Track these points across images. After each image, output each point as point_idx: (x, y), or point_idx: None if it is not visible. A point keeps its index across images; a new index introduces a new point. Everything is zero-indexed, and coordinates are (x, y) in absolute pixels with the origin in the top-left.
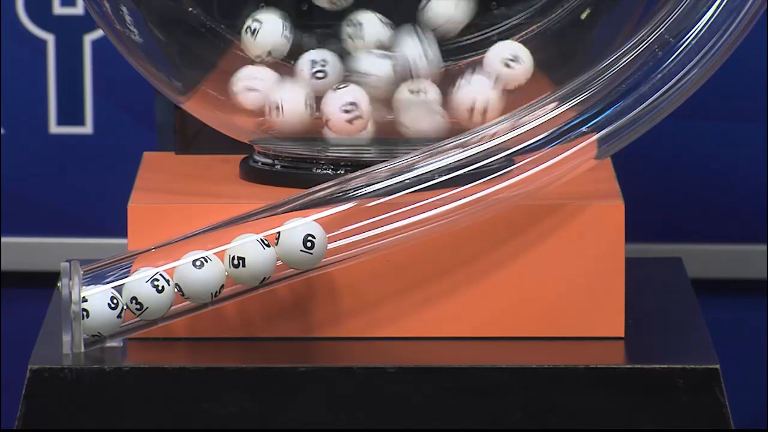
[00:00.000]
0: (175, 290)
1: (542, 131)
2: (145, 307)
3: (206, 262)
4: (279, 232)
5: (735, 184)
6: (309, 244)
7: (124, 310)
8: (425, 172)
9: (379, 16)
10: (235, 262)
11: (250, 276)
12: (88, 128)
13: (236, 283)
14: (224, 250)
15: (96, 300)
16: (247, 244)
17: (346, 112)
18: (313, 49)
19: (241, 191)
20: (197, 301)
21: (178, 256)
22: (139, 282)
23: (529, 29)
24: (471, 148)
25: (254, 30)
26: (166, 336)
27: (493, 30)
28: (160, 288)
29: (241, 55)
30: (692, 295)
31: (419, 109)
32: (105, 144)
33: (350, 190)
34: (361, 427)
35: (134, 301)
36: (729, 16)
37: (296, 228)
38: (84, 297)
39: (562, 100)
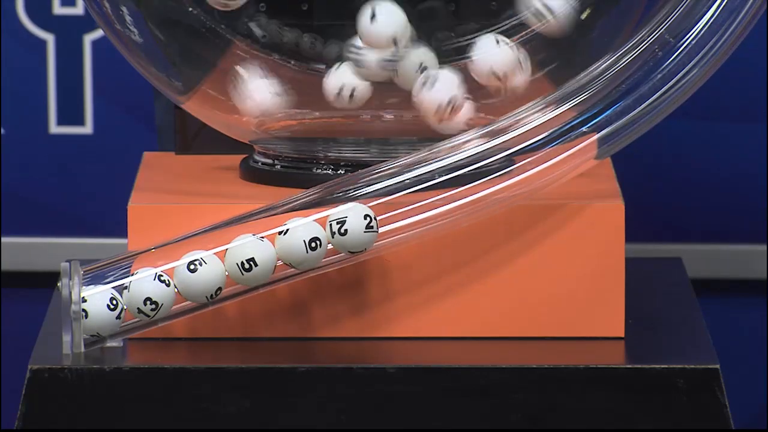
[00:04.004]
0: (175, 290)
1: (542, 131)
2: (160, 305)
3: (200, 265)
4: (281, 232)
5: (735, 184)
6: (314, 245)
7: (123, 311)
8: (425, 172)
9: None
10: (246, 265)
11: (263, 275)
12: (88, 128)
13: (244, 285)
14: (225, 251)
15: (95, 300)
16: (256, 245)
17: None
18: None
19: (241, 191)
20: (194, 302)
21: (178, 257)
22: (148, 280)
23: (529, 29)
24: (471, 148)
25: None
26: (166, 336)
27: (493, 30)
28: (167, 282)
29: (241, 55)
30: (692, 295)
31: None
32: (105, 144)
33: (350, 190)
34: (361, 427)
35: (148, 302)
36: (729, 16)
37: (301, 228)
38: (83, 297)
39: (562, 100)
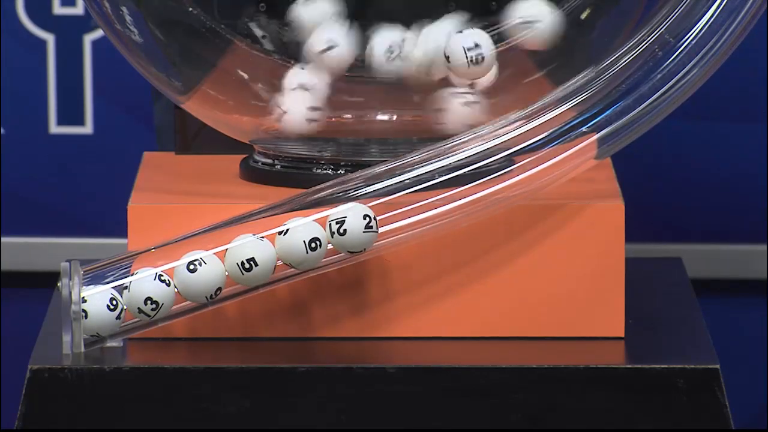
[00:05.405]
0: (175, 290)
1: (542, 131)
2: (161, 305)
3: (200, 265)
4: (281, 232)
5: (735, 184)
6: (314, 245)
7: (123, 311)
8: (425, 172)
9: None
10: (246, 265)
11: (263, 275)
12: (88, 128)
13: (244, 285)
14: (225, 251)
15: (95, 300)
16: (256, 245)
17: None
18: None
19: (241, 191)
20: (194, 302)
21: (178, 257)
22: (148, 280)
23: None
24: (471, 148)
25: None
26: (166, 336)
27: (493, 30)
28: (168, 282)
29: (241, 55)
30: (692, 295)
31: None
32: (105, 144)
33: (350, 190)
34: (361, 427)
35: (149, 302)
36: (729, 16)
37: (301, 228)
38: (83, 297)
39: (562, 100)
